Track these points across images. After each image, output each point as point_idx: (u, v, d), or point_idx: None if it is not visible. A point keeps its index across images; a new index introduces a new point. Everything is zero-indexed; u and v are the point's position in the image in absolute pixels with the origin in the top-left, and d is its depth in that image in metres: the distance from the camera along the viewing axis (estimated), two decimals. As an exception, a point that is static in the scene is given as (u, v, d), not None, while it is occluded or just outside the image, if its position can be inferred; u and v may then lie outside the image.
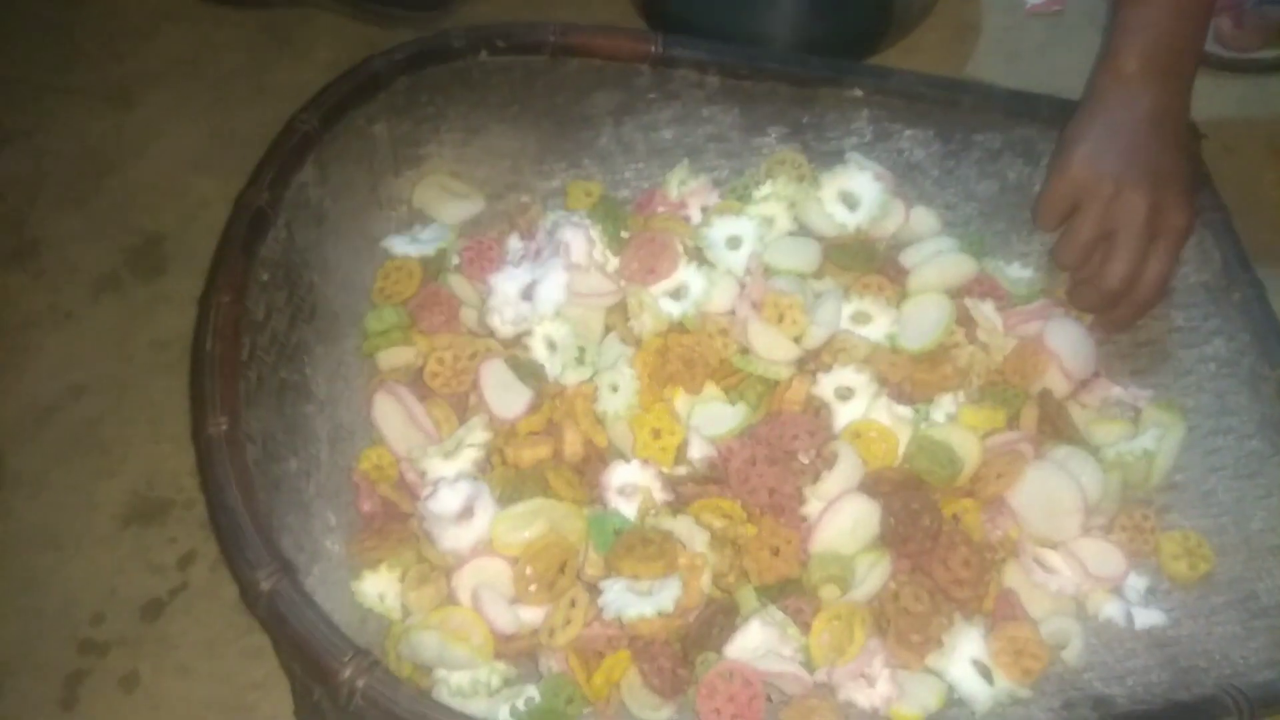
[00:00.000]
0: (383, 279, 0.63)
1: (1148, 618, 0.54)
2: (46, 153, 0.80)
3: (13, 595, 0.61)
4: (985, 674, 0.52)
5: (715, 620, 0.52)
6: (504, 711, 0.50)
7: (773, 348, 0.58)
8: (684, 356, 0.58)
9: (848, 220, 0.64)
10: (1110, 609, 0.54)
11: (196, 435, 0.47)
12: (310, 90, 0.61)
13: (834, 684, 0.51)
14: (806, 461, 0.55)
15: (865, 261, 0.63)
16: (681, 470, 0.57)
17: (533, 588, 0.52)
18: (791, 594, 0.53)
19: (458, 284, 0.63)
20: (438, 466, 0.55)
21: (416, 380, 0.60)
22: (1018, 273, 0.65)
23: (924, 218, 0.67)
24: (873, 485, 0.55)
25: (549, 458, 0.57)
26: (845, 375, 0.58)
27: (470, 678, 0.50)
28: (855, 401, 0.58)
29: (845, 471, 0.55)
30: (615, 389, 0.57)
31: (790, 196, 0.65)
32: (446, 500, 0.53)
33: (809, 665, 0.52)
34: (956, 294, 0.62)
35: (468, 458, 0.56)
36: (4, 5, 0.89)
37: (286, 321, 0.56)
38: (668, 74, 0.66)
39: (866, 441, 0.56)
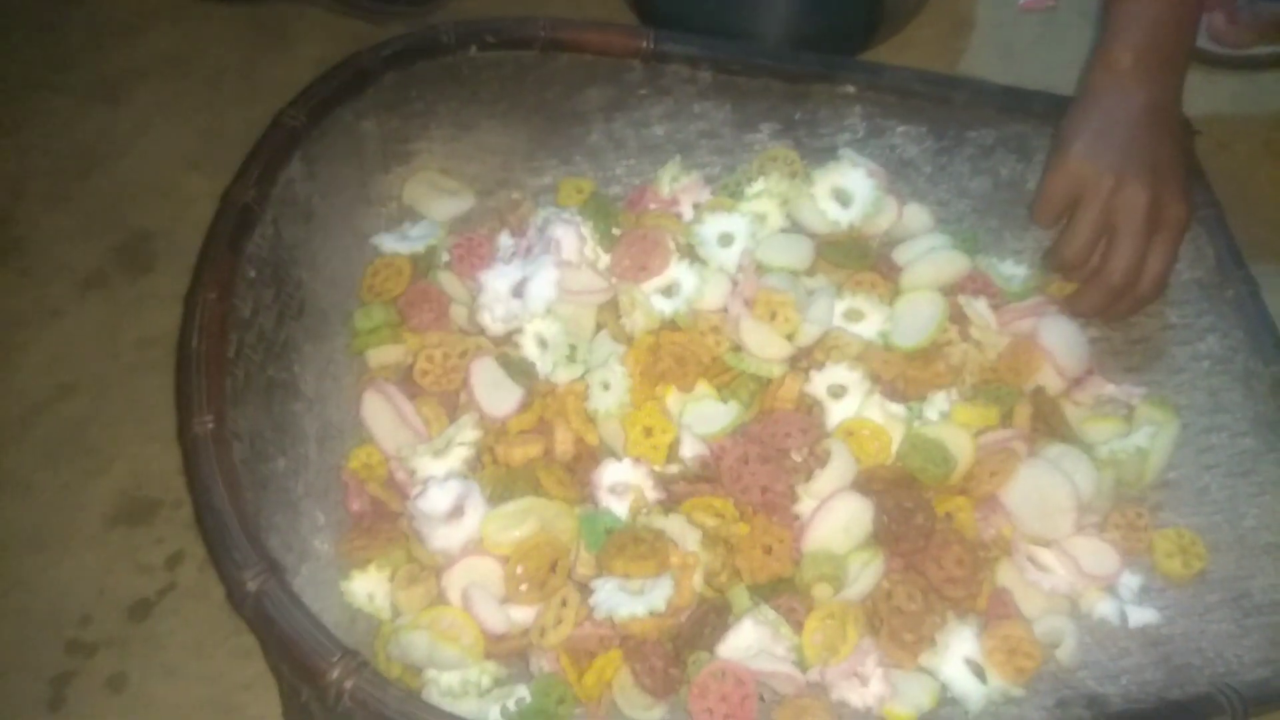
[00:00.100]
0: (372, 276, 0.63)
1: (1141, 616, 0.54)
2: (33, 149, 0.80)
3: (0, 596, 0.61)
4: (979, 673, 0.52)
5: (707, 619, 0.51)
6: (495, 712, 0.50)
7: (765, 345, 0.58)
8: (676, 354, 0.58)
9: (840, 217, 0.63)
10: (1104, 607, 0.54)
11: (182, 434, 0.46)
12: (300, 86, 0.60)
13: (827, 683, 0.51)
14: (799, 460, 0.55)
15: (858, 259, 0.63)
16: (673, 469, 0.56)
17: (523, 587, 0.51)
18: (784, 593, 0.53)
19: (448, 281, 0.63)
20: (427, 465, 0.55)
21: (406, 378, 0.59)
22: (1011, 270, 0.65)
23: (917, 214, 0.66)
24: (865, 483, 0.55)
25: (540, 456, 0.56)
26: (838, 373, 0.57)
27: (460, 678, 0.50)
28: (848, 399, 0.57)
29: (838, 470, 0.54)
30: (606, 387, 0.57)
31: (782, 193, 0.65)
32: (436, 499, 0.53)
33: (802, 664, 0.51)
34: (949, 291, 0.61)
35: (458, 456, 0.55)
36: (-9, 1, 0.88)
37: (274, 319, 0.56)
38: (659, 69, 0.65)
39: (859, 439, 0.56)
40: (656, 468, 0.56)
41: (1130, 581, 0.56)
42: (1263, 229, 0.72)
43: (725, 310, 0.60)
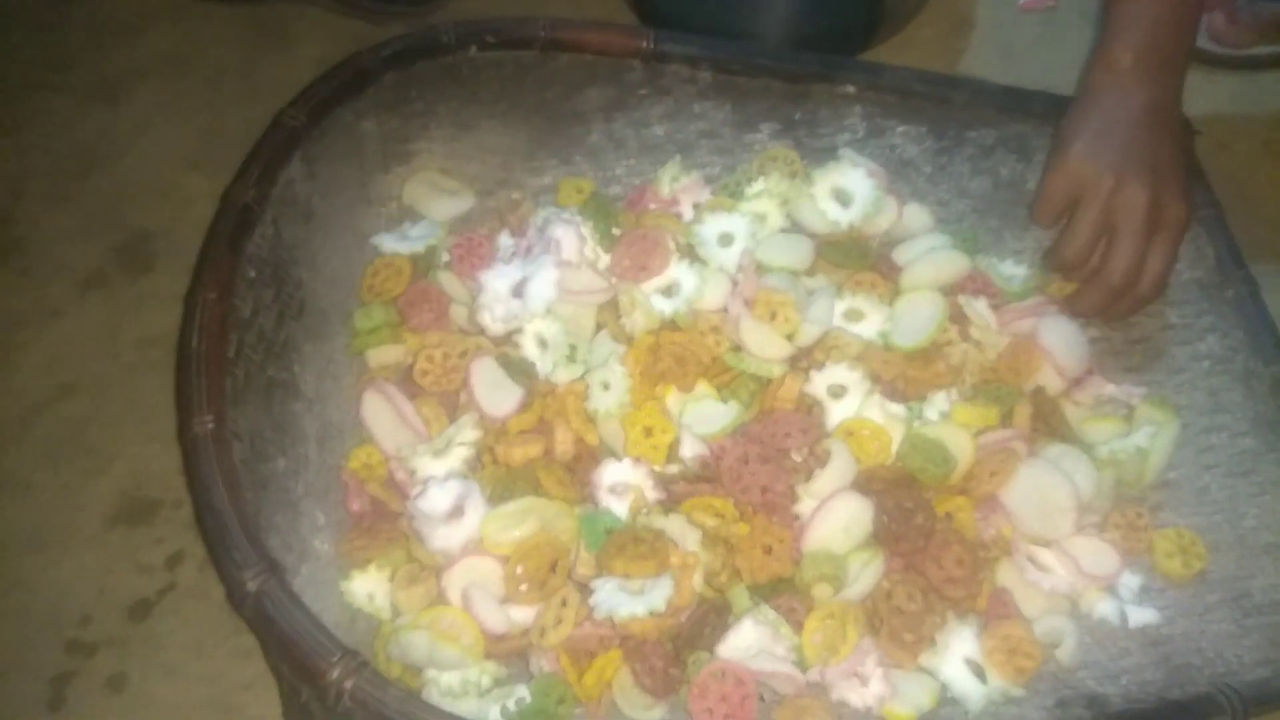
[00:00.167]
0: (372, 276, 0.63)
1: (1141, 616, 0.54)
2: (33, 149, 0.80)
3: (0, 596, 0.61)
4: (979, 673, 0.52)
5: (707, 619, 0.51)
6: (495, 712, 0.50)
7: (765, 345, 0.58)
8: (676, 354, 0.58)
9: (840, 217, 0.63)
10: (1104, 607, 0.54)
11: (182, 434, 0.46)
12: (300, 85, 0.60)
13: (827, 683, 0.51)
14: (799, 460, 0.55)
15: (858, 259, 0.63)
16: (673, 469, 0.56)
17: (523, 587, 0.51)
18: (784, 593, 0.53)
19: (448, 281, 0.63)
20: (427, 465, 0.55)
21: (406, 378, 0.59)
22: (1011, 269, 0.65)
23: (917, 214, 0.66)
24: (865, 483, 0.55)
25: (540, 456, 0.56)
26: (838, 373, 0.57)
27: (460, 678, 0.50)
28: (848, 399, 0.57)
29: (838, 470, 0.54)
30: (607, 387, 0.57)
31: (782, 193, 0.65)
32: (436, 499, 0.53)
33: (802, 664, 0.51)
34: (949, 291, 0.61)
35: (458, 456, 0.55)
36: (-9, 1, 0.88)
37: (274, 319, 0.56)
38: (659, 69, 0.65)
39: (859, 439, 0.56)
40: (656, 468, 0.56)
41: (1130, 581, 0.56)
42: (1263, 229, 0.72)
43: (725, 310, 0.60)
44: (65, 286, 0.73)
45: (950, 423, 0.57)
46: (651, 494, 0.55)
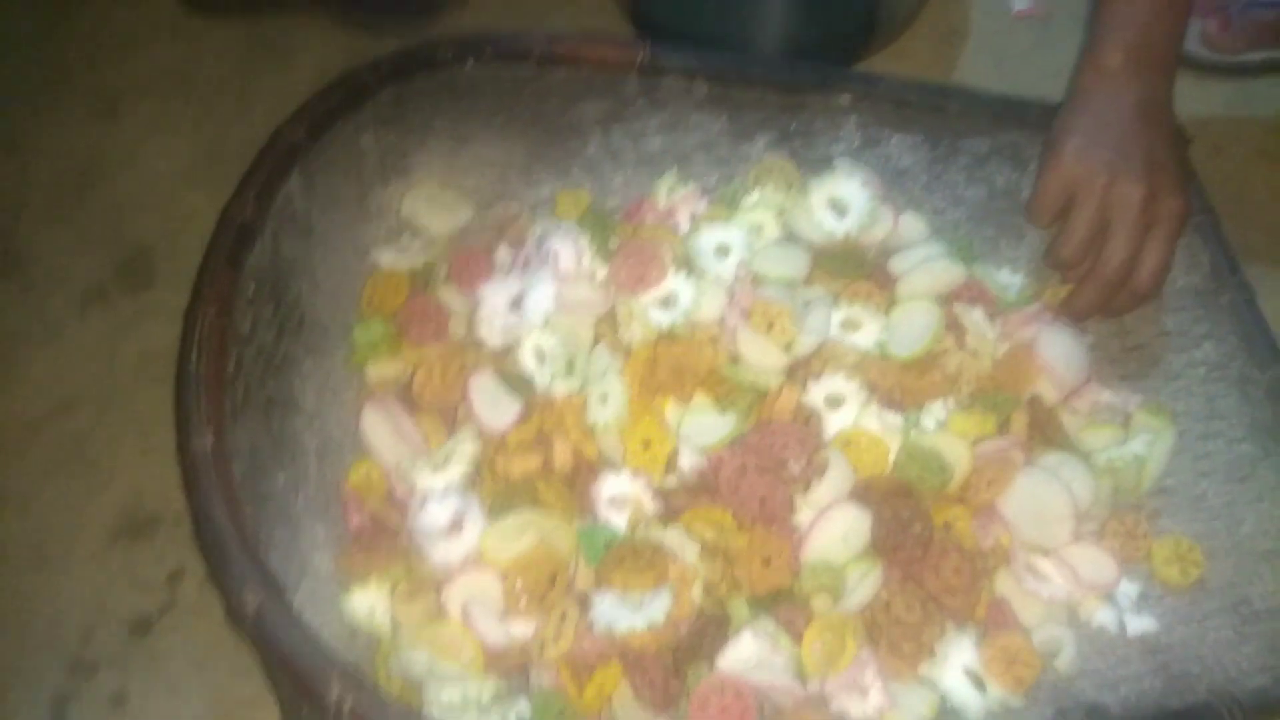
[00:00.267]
0: (371, 290, 0.63)
1: (1140, 624, 0.54)
2: (33, 165, 0.80)
3: (0, 613, 0.61)
4: (978, 683, 0.52)
5: (707, 631, 0.52)
6: (495, 726, 0.50)
7: (762, 356, 0.58)
8: (673, 366, 0.58)
9: (836, 227, 0.64)
10: (1102, 616, 0.54)
11: (181, 452, 0.46)
12: (298, 100, 0.60)
13: (826, 695, 0.51)
14: (797, 470, 0.55)
15: (854, 268, 0.63)
16: (672, 480, 0.56)
17: (523, 601, 0.52)
18: (783, 604, 0.53)
19: (446, 295, 0.63)
20: (427, 479, 0.55)
21: (405, 392, 0.60)
22: (1007, 278, 0.65)
23: (912, 224, 0.66)
24: (863, 493, 0.55)
25: (539, 469, 0.57)
26: (835, 383, 0.58)
27: (461, 693, 0.50)
28: (845, 409, 0.57)
29: (836, 480, 0.54)
30: (605, 399, 0.57)
31: (779, 204, 0.65)
32: (436, 514, 0.53)
33: (801, 676, 0.51)
34: (945, 300, 0.62)
35: (457, 470, 0.56)
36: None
37: (274, 334, 0.56)
38: (655, 82, 0.66)
39: (857, 449, 0.56)
40: (655, 479, 0.56)
41: (1128, 589, 0.56)
42: (1257, 234, 0.73)
43: (722, 321, 0.60)
44: (65, 302, 0.73)
45: (947, 432, 0.57)
46: (650, 506, 0.55)
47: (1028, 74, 0.84)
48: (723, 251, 0.63)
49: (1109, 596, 0.55)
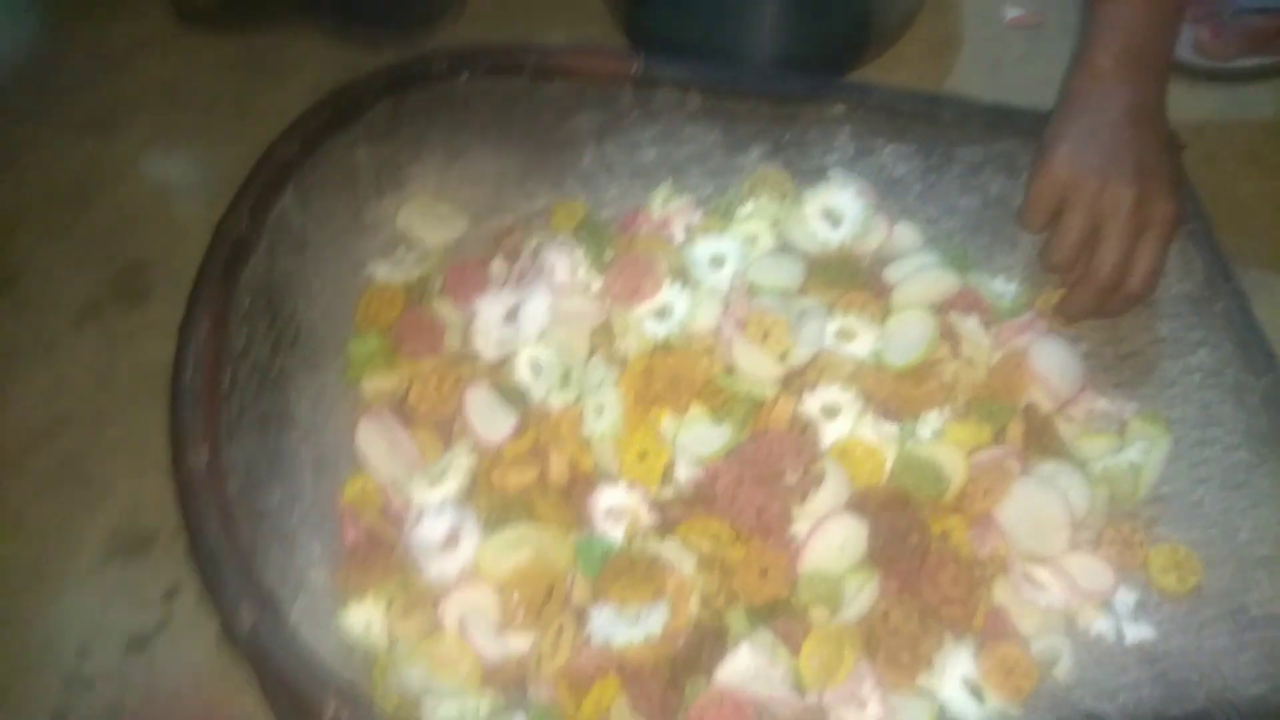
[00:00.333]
0: (366, 304, 0.63)
1: (1138, 632, 0.54)
2: (27, 182, 0.80)
3: (-4, 630, 0.61)
4: (976, 693, 0.52)
5: (704, 644, 0.51)
6: (493, 741, 0.50)
7: (758, 366, 0.58)
8: (669, 377, 0.58)
9: (831, 237, 0.64)
10: (1100, 624, 0.54)
11: (175, 470, 0.46)
12: (292, 114, 0.61)
13: (825, 707, 0.51)
14: (793, 481, 0.55)
15: (849, 278, 0.63)
16: (668, 492, 0.56)
17: (520, 615, 0.51)
18: (781, 615, 0.53)
19: (441, 308, 0.63)
20: (423, 493, 0.55)
21: (401, 406, 0.60)
22: (1002, 286, 0.65)
23: (907, 233, 0.67)
24: (860, 504, 0.55)
25: (535, 481, 0.57)
26: (830, 393, 0.58)
27: (458, 708, 0.50)
28: (841, 419, 0.57)
29: (832, 490, 0.54)
30: (601, 411, 0.57)
31: (773, 214, 0.65)
32: (432, 528, 0.53)
33: (799, 688, 0.51)
34: (940, 309, 0.62)
35: (453, 484, 0.56)
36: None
37: (268, 350, 0.56)
38: (649, 94, 0.66)
39: (853, 460, 0.56)
40: (652, 491, 0.56)
41: (1126, 598, 0.56)
42: (1250, 240, 0.73)
43: (718, 332, 0.60)
44: (61, 318, 0.73)
45: (943, 441, 0.57)
46: (647, 518, 0.55)
47: (1021, 82, 0.85)
48: (717, 262, 0.63)
49: (1106, 605, 0.55)
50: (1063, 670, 0.53)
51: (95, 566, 0.63)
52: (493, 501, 0.56)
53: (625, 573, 0.52)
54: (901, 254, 0.65)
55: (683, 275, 0.63)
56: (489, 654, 0.51)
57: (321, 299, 0.61)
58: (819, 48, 0.81)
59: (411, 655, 0.50)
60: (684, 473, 0.56)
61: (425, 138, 0.65)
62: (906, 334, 0.60)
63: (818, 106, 0.66)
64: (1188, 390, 0.61)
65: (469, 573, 0.53)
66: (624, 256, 0.63)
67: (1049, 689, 0.53)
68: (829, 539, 0.53)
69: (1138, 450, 0.58)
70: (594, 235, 0.64)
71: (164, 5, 0.89)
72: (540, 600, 0.52)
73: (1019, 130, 0.66)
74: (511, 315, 0.61)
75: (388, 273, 0.64)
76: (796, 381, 0.59)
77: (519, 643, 0.52)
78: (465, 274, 0.64)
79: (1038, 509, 0.55)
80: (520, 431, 0.58)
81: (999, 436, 0.59)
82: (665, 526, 0.55)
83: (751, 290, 0.61)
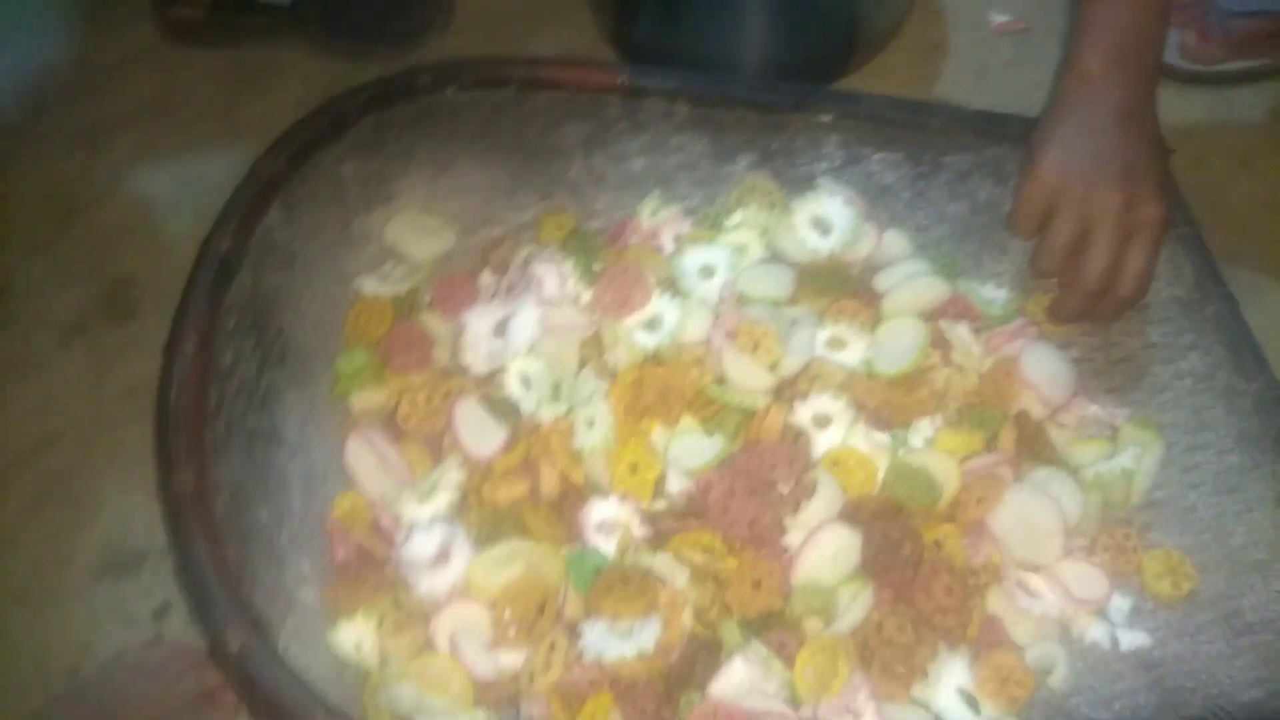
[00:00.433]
0: (354, 318, 0.63)
1: (1132, 639, 0.54)
2: (13, 198, 0.80)
3: (-16, 652, 0.60)
4: (971, 703, 0.52)
5: (698, 658, 0.51)
6: (485, 759, 0.49)
7: (748, 377, 0.58)
8: (659, 389, 0.58)
9: (820, 245, 0.64)
10: (1095, 631, 0.54)
11: (162, 491, 0.46)
12: (280, 128, 0.60)
13: (820, 719, 0.51)
14: (786, 491, 0.55)
15: (839, 286, 0.63)
16: (660, 504, 0.56)
17: (511, 631, 0.51)
18: (775, 627, 0.53)
19: (430, 321, 0.63)
20: (413, 510, 0.55)
21: (390, 421, 0.59)
22: (991, 293, 0.65)
23: (896, 241, 0.67)
24: (852, 513, 0.55)
25: (526, 496, 0.56)
26: (822, 402, 0.58)
27: (450, 726, 0.50)
28: (833, 428, 0.57)
29: (825, 500, 0.54)
30: (591, 424, 0.57)
31: (762, 224, 0.65)
32: (422, 544, 0.53)
33: (794, 701, 0.51)
34: (930, 317, 0.62)
35: (443, 499, 0.55)
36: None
37: (255, 367, 0.55)
38: (637, 104, 0.66)
39: (845, 469, 0.56)
40: (643, 504, 0.56)
41: (1120, 604, 0.55)
42: (1240, 244, 0.73)
43: (708, 342, 0.60)
44: (47, 336, 0.73)
45: (935, 449, 0.57)
46: (639, 530, 0.55)
47: (1008, 88, 0.85)
48: (707, 272, 0.63)
49: (1101, 612, 0.55)
50: (1058, 678, 0.53)
51: (85, 585, 0.63)
52: (483, 516, 0.55)
53: (617, 586, 0.52)
54: (891, 262, 0.65)
55: (672, 286, 0.62)
56: (481, 671, 0.50)
57: (309, 315, 0.61)
58: (806, 56, 0.81)
59: (403, 673, 0.50)
60: (676, 485, 0.56)
61: (412, 151, 0.65)
62: (897, 342, 0.60)
63: (805, 115, 0.66)
64: (1179, 395, 0.61)
65: (460, 589, 0.52)
66: (613, 267, 0.62)
67: (1044, 697, 0.53)
68: (822, 549, 0.53)
69: (1130, 456, 0.58)
70: (583, 246, 0.64)
71: (151, 19, 0.89)
72: (532, 616, 0.51)
73: (1007, 137, 0.66)
74: (501, 328, 0.60)
75: (376, 287, 0.64)
76: (787, 391, 0.59)
77: (511, 659, 0.51)
78: (454, 287, 0.63)
79: (1031, 516, 0.55)
80: (510, 445, 0.57)
81: (991, 444, 0.59)
82: (657, 539, 0.55)
83: (741, 300, 0.61)
